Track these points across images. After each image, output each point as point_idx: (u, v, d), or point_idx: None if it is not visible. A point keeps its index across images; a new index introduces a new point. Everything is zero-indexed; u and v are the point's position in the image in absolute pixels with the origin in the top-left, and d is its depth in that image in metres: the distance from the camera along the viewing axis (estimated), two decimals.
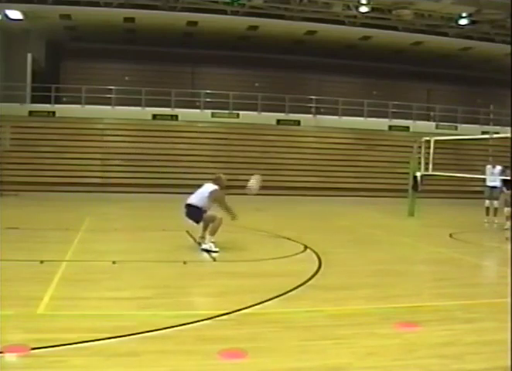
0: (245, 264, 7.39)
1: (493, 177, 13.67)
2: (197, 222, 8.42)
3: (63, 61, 27.40)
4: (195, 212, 8.36)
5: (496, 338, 4.22)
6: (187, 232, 9.80)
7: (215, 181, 8.63)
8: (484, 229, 13.11)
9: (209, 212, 8.31)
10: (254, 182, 8.99)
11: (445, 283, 6.50)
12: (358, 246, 9.58)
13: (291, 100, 24.84)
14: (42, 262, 6.76)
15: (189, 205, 8.42)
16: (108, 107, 23.22)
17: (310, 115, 25.26)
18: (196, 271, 7.03)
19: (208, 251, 7.99)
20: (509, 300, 4.94)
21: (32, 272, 6.34)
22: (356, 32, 24.60)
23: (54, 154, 20.88)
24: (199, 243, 8.46)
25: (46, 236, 9.56)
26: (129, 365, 3.58)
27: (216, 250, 8.05)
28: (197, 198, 8.45)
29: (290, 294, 5.58)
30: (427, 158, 14.98)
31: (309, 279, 6.32)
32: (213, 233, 8.21)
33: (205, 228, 8.48)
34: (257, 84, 27.46)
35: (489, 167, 14.02)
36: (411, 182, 15.36)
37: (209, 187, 8.50)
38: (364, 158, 23.54)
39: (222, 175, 8.84)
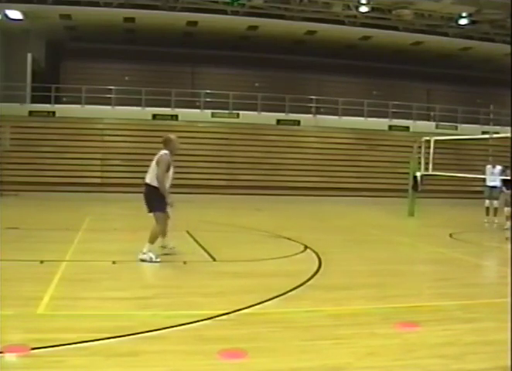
0: (245, 264, 7.38)
1: (493, 177, 13.68)
2: (148, 210, 7.19)
3: (63, 61, 27.39)
4: (147, 196, 7.12)
5: (496, 338, 4.21)
6: (187, 232, 9.81)
7: (164, 144, 7.12)
8: (484, 229, 13.11)
9: (159, 213, 7.07)
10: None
11: (445, 283, 6.49)
12: (358, 246, 9.57)
13: (291, 100, 24.84)
14: (42, 262, 6.75)
15: (144, 185, 7.11)
16: (108, 107, 23.22)
17: (310, 115, 25.26)
18: (196, 271, 7.01)
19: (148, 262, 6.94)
20: (509, 300, 4.93)
21: (32, 272, 6.33)
22: (356, 32, 24.60)
23: (54, 154, 20.91)
24: (163, 247, 7.53)
25: (46, 236, 9.55)
26: (129, 365, 3.57)
27: (158, 260, 6.94)
28: (149, 171, 7.09)
29: (290, 294, 5.57)
30: (427, 158, 14.99)
31: (309, 279, 6.31)
32: (152, 241, 7.05)
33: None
34: (257, 84, 27.46)
35: (489, 167, 14.03)
36: (411, 182, 15.37)
37: (157, 154, 7.06)
38: (364, 158, 23.56)
39: (172, 136, 7.24)
